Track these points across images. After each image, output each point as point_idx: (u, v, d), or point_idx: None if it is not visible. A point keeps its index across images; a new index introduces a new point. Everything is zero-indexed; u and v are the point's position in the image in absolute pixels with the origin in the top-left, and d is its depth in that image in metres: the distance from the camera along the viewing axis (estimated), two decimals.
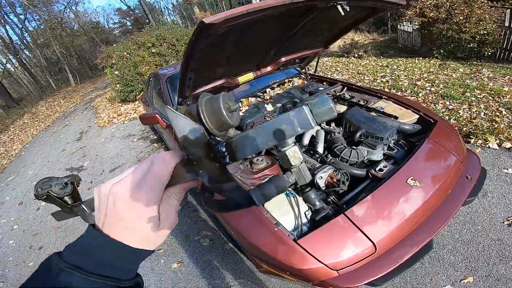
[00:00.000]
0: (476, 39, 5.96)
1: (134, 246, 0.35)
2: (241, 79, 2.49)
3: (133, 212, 0.34)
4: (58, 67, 21.47)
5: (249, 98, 2.82)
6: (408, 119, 2.23)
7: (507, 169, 2.59)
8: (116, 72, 7.81)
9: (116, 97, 8.53)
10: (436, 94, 4.47)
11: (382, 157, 1.96)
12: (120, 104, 8.50)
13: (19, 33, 19.42)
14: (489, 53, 5.98)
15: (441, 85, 4.76)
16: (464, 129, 3.28)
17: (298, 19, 1.92)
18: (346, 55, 8.76)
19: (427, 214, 1.54)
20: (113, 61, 7.83)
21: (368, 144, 2.00)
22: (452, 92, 4.37)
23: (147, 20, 16.38)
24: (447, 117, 3.65)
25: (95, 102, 10.59)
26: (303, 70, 3.28)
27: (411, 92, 4.77)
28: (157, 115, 2.83)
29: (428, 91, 4.68)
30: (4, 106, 16.11)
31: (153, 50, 7.60)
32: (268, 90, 2.96)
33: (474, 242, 2.04)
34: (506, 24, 5.83)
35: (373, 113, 2.34)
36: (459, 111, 3.73)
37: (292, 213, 1.57)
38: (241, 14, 1.33)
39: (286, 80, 3.13)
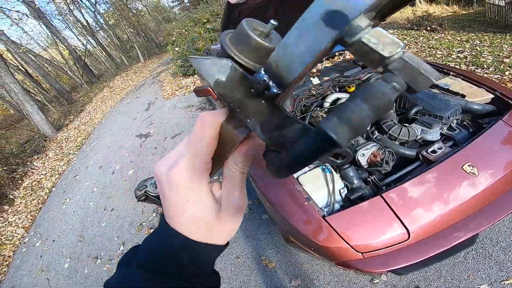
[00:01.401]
0: None
1: (197, 239, 0.29)
2: None
3: (177, 195, 0.28)
4: (129, 45, 23.69)
5: None
6: (479, 98, 1.90)
7: None
8: (177, 49, 8.32)
9: (177, 72, 9.13)
10: None
11: (439, 138, 1.74)
12: (181, 78, 9.04)
13: (93, 16, 21.61)
14: None
15: None
16: None
17: None
18: (416, 28, 7.68)
19: (478, 207, 1.34)
20: (173, 39, 8.32)
21: (423, 123, 1.79)
22: None
23: None
24: None
25: (160, 76, 11.41)
26: None
27: (495, 69, 4.04)
28: (209, 88, 2.99)
29: None
30: (88, 81, 18.59)
31: (208, 26, 7.81)
32: None
33: None
34: None
35: (435, 90, 2.06)
36: None
37: (326, 189, 1.54)
38: None
39: (337, 53, 2.93)
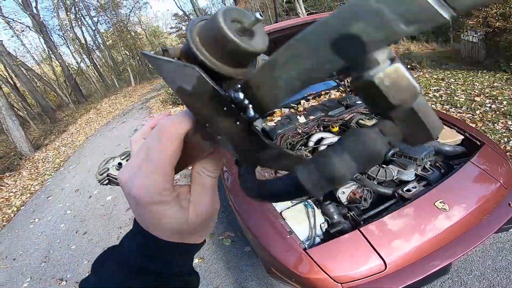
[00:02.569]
0: None
1: (166, 239, 0.28)
2: None
3: (143, 211, 0.27)
4: (122, 67, 23.91)
5: (282, 108, 2.86)
6: (450, 139, 2.06)
7: None
8: None
9: (167, 99, 9.18)
10: (497, 112, 3.97)
11: (414, 178, 1.85)
12: (170, 107, 9.05)
13: (93, 35, 22.03)
14: None
15: (505, 102, 4.20)
16: None
17: None
18: None
19: (450, 239, 1.45)
20: None
21: (399, 164, 1.91)
22: None
23: None
24: (505, 139, 3.25)
25: (150, 102, 11.43)
26: (342, 83, 3.22)
27: (467, 108, 4.29)
28: None
29: (487, 108, 4.17)
30: (75, 101, 18.13)
31: None
32: (302, 101, 2.96)
33: (506, 270, 1.88)
34: None
35: None
36: None
37: (307, 223, 1.59)
38: None
39: (323, 93, 3.10)
